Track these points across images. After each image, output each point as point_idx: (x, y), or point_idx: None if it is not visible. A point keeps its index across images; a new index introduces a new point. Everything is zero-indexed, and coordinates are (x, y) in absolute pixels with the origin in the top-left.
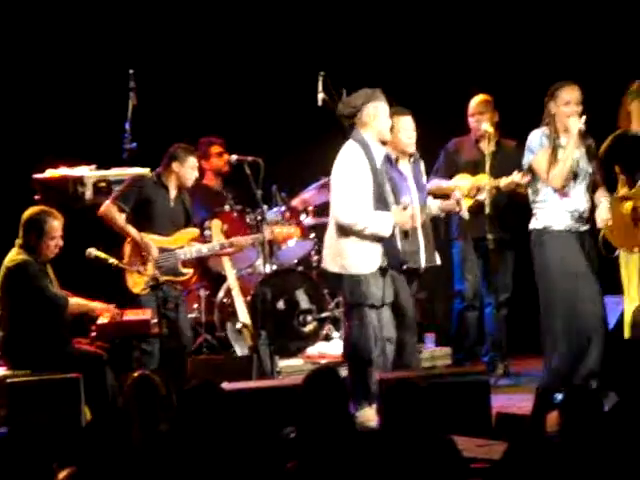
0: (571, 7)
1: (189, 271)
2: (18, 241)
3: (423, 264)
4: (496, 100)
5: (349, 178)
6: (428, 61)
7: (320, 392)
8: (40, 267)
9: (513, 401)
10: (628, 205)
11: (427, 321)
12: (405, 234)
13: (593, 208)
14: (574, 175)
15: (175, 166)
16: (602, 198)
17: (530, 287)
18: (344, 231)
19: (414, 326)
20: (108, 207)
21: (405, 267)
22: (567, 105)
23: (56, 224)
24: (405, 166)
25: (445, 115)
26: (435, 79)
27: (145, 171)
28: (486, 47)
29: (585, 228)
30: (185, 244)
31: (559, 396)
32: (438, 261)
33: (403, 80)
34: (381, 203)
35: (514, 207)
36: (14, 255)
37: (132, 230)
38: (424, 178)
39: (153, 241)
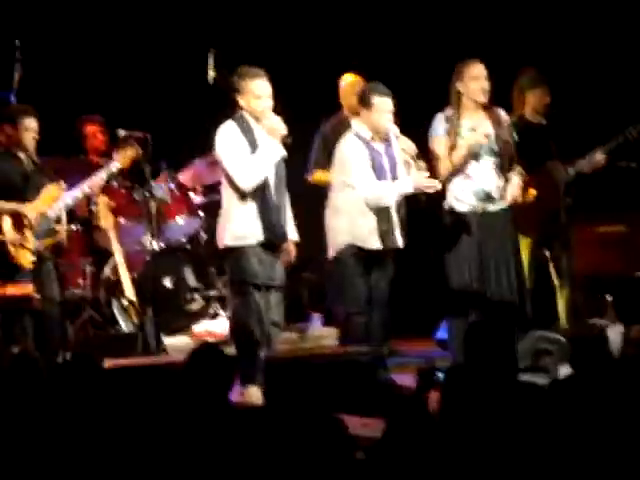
0: None
1: (62, 227)
2: None
3: (400, 244)
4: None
5: (231, 148)
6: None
7: (203, 369)
8: None
9: (399, 381)
10: (531, 191)
11: (314, 301)
12: (379, 214)
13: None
14: (474, 155)
15: (8, 129)
16: (514, 175)
17: (415, 266)
18: (228, 205)
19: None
20: None
21: (380, 247)
22: (476, 80)
23: None
24: (379, 145)
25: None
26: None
27: None
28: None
29: (495, 208)
30: (53, 202)
31: (441, 375)
32: (399, 244)
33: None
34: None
35: None
36: None
37: (7, 205)
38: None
39: (30, 208)
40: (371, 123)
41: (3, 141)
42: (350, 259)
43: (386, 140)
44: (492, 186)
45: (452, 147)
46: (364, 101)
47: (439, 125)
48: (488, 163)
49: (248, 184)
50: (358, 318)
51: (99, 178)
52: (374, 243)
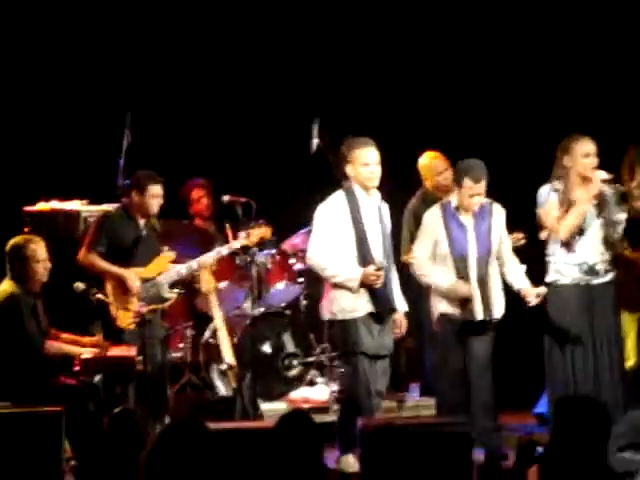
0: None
1: (173, 295)
2: (8, 273)
3: (480, 315)
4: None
5: (325, 222)
6: (422, 110)
7: (291, 435)
8: (28, 301)
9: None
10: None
11: (412, 370)
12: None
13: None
14: (580, 229)
15: (135, 195)
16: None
17: (510, 337)
18: None
19: (483, 368)
20: (84, 255)
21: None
22: (587, 157)
23: (37, 247)
24: (467, 218)
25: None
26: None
27: (109, 207)
28: (477, 102)
29: (599, 281)
30: (163, 270)
31: (540, 449)
32: (497, 315)
33: (396, 127)
34: (364, 252)
35: None
36: (4, 287)
37: (113, 269)
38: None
39: (134, 273)
40: (460, 201)
41: (126, 204)
42: (446, 329)
43: (481, 215)
44: (596, 259)
45: (561, 216)
46: (456, 179)
47: (546, 196)
48: (593, 237)
49: (313, 262)
50: (454, 388)
51: (220, 254)
52: (467, 314)
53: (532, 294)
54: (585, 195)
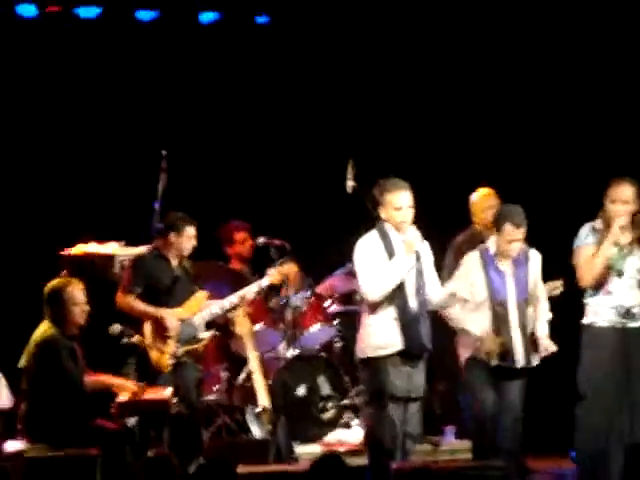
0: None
1: (207, 335)
2: (46, 315)
3: (521, 363)
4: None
5: (367, 256)
6: (454, 152)
7: (324, 478)
8: (67, 343)
9: None
10: None
11: (447, 413)
12: (497, 330)
13: None
14: (618, 273)
15: (172, 237)
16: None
17: (543, 383)
18: (366, 316)
19: (516, 417)
20: (121, 299)
21: (498, 364)
22: (613, 203)
23: (75, 290)
24: (505, 264)
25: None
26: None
27: (144, 249)
28: (501, 142)
29: (635, 325)
30: (197, 310)
31: None
32: (535, 362)
33: (431, 169)
34: (396, 290)
35: None
36: (43, 329)
37: (151, 309)
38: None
39: (172, 314)
40: (499, 246)
41: (160, 247)
42: (475, 371)
43: (519, 261)
44: (633, 302)
45: (591, 259)
46: (496, 224)
47: (585, 235)
48: (631, 280)
49: (374, 295)
50: (485, 431)
51: (250, 292)
52: (507, 361)
53: (543, 346)
54: (607, 241)
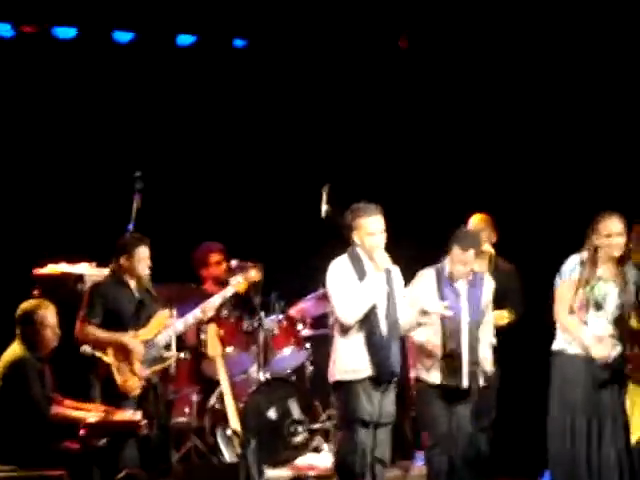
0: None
1: (172, 353)
2: (18, 336)
3: (465, 384)
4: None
5: (340, 279)
6: (430, 178)
7: None
8: (35, 365)
9: None
10: None
11: (418, 437)
12: (445, 348)
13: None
14: (597, 306)
15: (123, 260)
16: None
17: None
18: (337, 339)
19: (469, 436)
20: (80, 329)
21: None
22: (609, 237)
23: (47, 313)
24: (461, 285)
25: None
26: (436, 196)
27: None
28: (486, 167)
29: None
30: (161, 329)
31: None
32: (482, 382)
33: (404, 195)
34: (366, 315)
35: None
36: (13, 350)
37: (113, 336)
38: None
39: (134, 337)
40: (450, 267)
41: (117, 271)
42: (426, 395)
43: (474, 283)
44: (605, 333)
45: (575, 293)
46: (448, 245)
47: (571, 270)
48: (609, 315)
49: (349, 318)
50: (437, 455)
51: (212, 303)
52: (452, 381)
53: (481, 370)
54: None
